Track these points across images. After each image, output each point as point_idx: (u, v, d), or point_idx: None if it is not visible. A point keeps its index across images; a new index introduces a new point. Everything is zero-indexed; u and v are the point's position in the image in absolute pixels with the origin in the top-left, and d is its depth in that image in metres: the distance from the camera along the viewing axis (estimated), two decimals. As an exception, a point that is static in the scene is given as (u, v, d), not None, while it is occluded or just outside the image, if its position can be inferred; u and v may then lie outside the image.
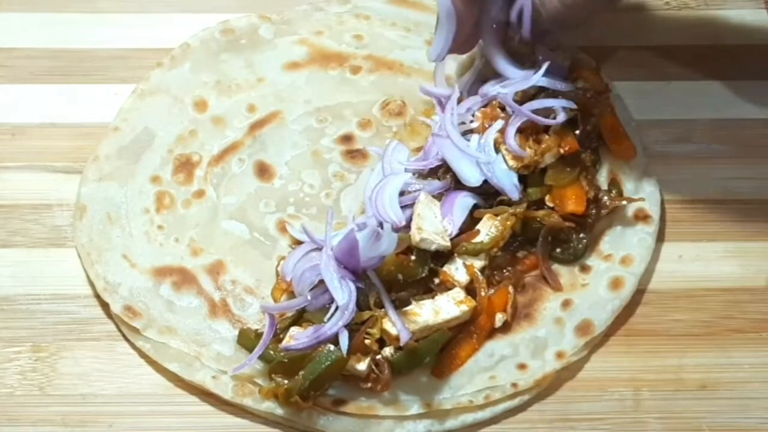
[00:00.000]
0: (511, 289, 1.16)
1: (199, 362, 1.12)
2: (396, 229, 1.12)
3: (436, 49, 1.25)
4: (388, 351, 1.09)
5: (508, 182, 1.18)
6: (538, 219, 1.18)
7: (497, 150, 1.19)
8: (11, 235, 1.23)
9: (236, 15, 1.39)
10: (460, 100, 1.24)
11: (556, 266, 1.19)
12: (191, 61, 1.35)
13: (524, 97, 1.21)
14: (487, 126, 1.22)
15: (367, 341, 1.08)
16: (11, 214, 1.24)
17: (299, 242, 1.18)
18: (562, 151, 1.19)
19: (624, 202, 1.21)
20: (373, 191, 1.18)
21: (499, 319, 1.14)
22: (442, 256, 1.14)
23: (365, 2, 1.41)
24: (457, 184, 1.19)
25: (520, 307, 1.16)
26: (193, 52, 1.36)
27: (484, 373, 1.12)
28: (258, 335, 1.11)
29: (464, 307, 1.11)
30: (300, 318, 1.11)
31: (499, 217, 1.16)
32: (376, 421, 1.09)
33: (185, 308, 1.16)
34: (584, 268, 1.19)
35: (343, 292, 1.08)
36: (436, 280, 1.14)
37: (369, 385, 1.09)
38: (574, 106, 1.21)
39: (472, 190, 1.18)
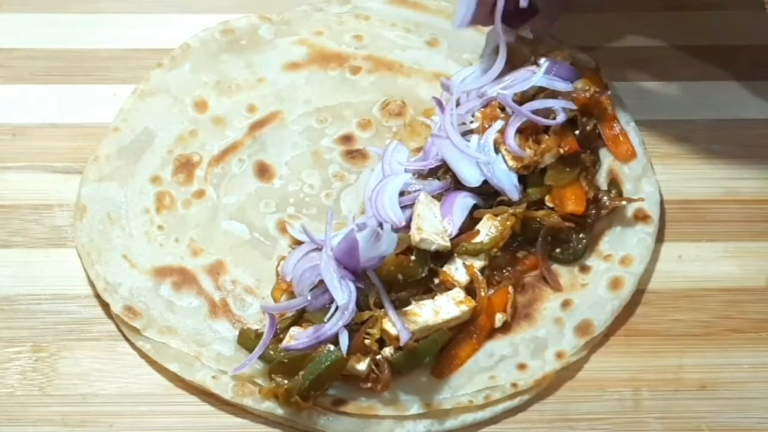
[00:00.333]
0: (510, 289, 1.16)
1: (199, 362, 1.12)
2: (396, 230, 1.13)
3: (458, 15, 1.24)
4: (388, 351, 1.09)
5: (507, 182, 1.18)
6: (538, 219, 1.18)
7: (497, 150, 1.20)
8: (11, 235, 1.23)
9: (236, 15, 1.39)
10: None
11: (555, 266, 1.19)
12: (191, 62, 1.35)
13: (524, 97, 1.22)
14: (486, 126, 1.22)
15: (367, 341, 1.08)
16: (11, 214, 1.24)
17: (299, 242, 1.18)
18: (561, 151, 1.20)
19: (623, 203, 1.21)
20: (373, 191, 1.18)
21: (499, 319, 1.15)
22: (442, 257, 1.15)
23: (365, 3, 1.41)
24: (457, 185, 1.19)
25: (519, 307, 1.17)
26: (193, 52, 1.36)
27: (484, 373, 1.12)
28: (258, 335, 1.11)
29: (464, 307, 1.11)
30: (300, 318, 1.11)
31: (498, 218, 1.16)
32: (376, 421, 1.10)
33: (185, 308, 1.16)
34: (584, 269, 1.19)
35: (343, 293, 1.08)
36: (436, 281, 1.14)
37: (369, 385, 1.09)
38: (574, 107, 1.21)
39: (472, 190, 1.18)
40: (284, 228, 1.22)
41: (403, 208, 1.16)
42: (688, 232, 1.24)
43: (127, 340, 1.15)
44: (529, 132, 1.20)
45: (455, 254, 1.15)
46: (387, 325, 1.09)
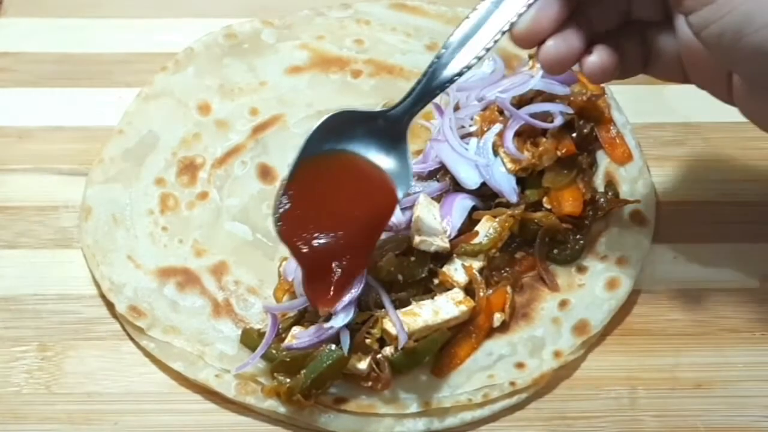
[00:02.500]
0: (509, 289, 1.17)
1: (203, 361, 1.13)
2: (396, 231, 1.14)
3: None
4: (388, 350, 1.10)
5: (506, 185, 1.19)
6: (536, 220, 1.19)
7: (495, 153, 1.20)
8: (18, 236, 1.24)
9: (239, 20, 1.40)
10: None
11: (553, 267, 1.20)
12: (195, 66, 1.36)
13: (522, 101, 1.23)
14: (485, 129, 1.22)
15: (367, 341, 1.09)
16: (18, 215, 1.25)
17: (301, 243, 1.19)
18: (559, 154, 1.21)
19: (620, 204, 1.22)
20: (373, 194, 1.19)
21: (498, 318, 1.15)
22: (442, 257, 1.15)
23: (366, 8, 1.43)
24: (456, 186, 1.20)
25: (518, 307, 1.18)
26: (196, 56, 1.37)
27: (483, 372, 1.13)
28: (260, 335, 1.12)
29: (463, 308, 1.12)
30: (302, 318, 1.12)
31: (497, 219, 1.17)
32: (376, 419, 1.10)
33: (189, 308, 1.18)
34: (581, 269, 1.20)
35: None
36: (436, 281, 1.15)
37: (369, 383, 1.10)
38: (571, 110, 1.22)
39: (471, 192, 1.19)
40: (286, 229, 1.23)
41: (403, 209, 1.17)
42: (683, 233, 1.24)
43: (132, 339, 1.16)
44: (527, 135, 1.21)
45: (454, 255, 1.15)
46: (387, 325, 1.09)
